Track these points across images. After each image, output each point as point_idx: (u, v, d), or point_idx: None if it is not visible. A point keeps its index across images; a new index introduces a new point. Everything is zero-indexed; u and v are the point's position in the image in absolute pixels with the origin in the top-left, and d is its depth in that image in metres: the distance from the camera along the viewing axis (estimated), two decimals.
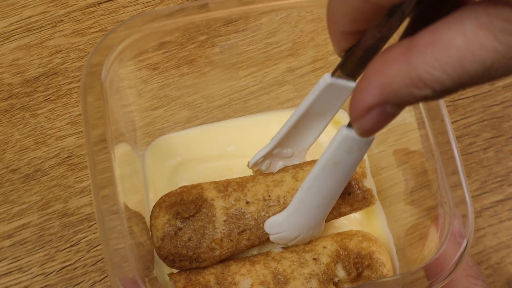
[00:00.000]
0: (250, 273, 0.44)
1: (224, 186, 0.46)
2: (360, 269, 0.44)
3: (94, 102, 0.41)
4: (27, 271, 0.51)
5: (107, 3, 0.62)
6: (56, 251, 0.51)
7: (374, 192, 0.50)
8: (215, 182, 0.47)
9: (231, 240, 0.45)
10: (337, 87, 0.36)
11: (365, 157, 0.52)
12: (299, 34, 0.52)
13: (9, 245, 0.52)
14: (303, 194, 0.40)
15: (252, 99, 0.55)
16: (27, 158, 0.55)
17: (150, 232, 0.46)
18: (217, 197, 0.46)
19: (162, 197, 0.46)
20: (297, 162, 0.47)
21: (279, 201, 0.46)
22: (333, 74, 0.36)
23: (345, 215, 0.47)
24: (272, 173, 0.48)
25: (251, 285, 0.44)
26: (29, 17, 0.61)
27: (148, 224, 0.48)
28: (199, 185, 0.47)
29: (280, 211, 0.46)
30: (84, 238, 0.52)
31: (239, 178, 0.48)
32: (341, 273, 0.45)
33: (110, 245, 0.37)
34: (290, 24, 0.51)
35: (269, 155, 0.46)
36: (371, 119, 0.27)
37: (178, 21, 0.44)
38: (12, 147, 0.55)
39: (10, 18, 0.61)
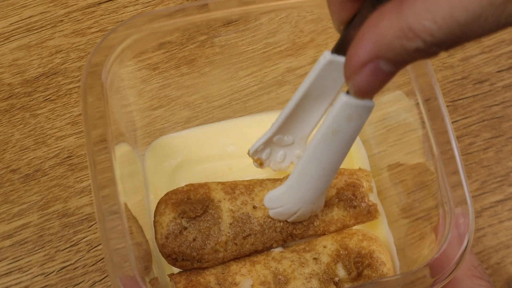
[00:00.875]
0: (251, 273, 0.44)
1: (231, 188, 0.46)
2: (361, 268, 0.44)
3: (94, 102, 0.41)
4: (27, 271, 0.51)
5: (107, 3, 0.62)
6: (56, 251, 0.51)
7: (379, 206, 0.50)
8: (222, 183, 0.47)
9: (235, 244, 0.45)
10: (338, 65, 0.35)
11: (367, 164, 0.52)
12: (299, 34, 0.52)
13: (9, 245, 0.52)
14: (302, 166, 0.38)
15: (252, 99, 0.55)
16: (27, 158, 0.55)
17: (152, 230, 0.46)
18: (224, 199, 0.46)
19: (167, 193, 0.46)
20: (298, 151, 0.46)
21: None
22: (333, 51, 0.34)
23: (348, 227, 0.47)
24: (280, 179, 0.48)
25: (251, 285, 0.44)
26: (29, 17, 0.61)
27: (148, 224, 0.48)
28: (206, 184, 0.47)
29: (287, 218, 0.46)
30: (84, 238, 0.52)
31: (247, 181, 0.48)
32: (341, 272, 0.45)
33: (111, 245, 0.37)
34: (290, 24, 0.51)
35: (269, 143, 0.45)
36: (365, 76, 0.27)
37: (178, 21, 0.44)
38: (12, 147, 0.55)
39: (10, 18, 0.61)
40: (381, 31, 0.26)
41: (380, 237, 0.48)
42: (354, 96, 0.31)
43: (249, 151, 0.45)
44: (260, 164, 0.46)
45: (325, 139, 0.36)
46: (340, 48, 0.34)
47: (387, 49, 0.26)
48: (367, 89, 0.28)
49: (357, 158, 0.52)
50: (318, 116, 0.42)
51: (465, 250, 0.38)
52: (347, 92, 0.32)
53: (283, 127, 0.43)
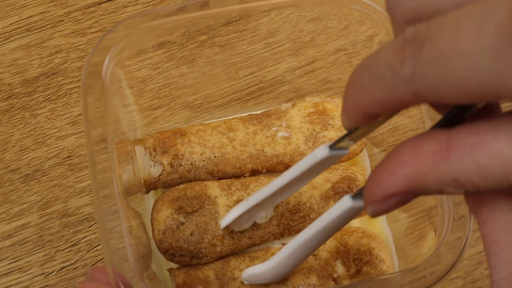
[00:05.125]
0: None
1: (227, 185, 0.47)
2: (360, 265, 0.45)
3: (95, 102, 0.41)
4: (27, 271, 0.51)
5: (107, 3, 0.62)
6: (56, 251, 0.51)
7: None
8: (218, 181, 0.47)
9: (232, 238, 0.45)
10: (332, 157, 0.35)
11: (367, 162, 0.52)
12: (299, 34, 0.52)
13: (9, 245, 0.52)
14: (289, 252, 0.39)
15: (252, 99, 0.55)
16: (27, 158, 0.55)
17: (151, 226, 0.46)
18: (221, 195, 0.46)
19: (165, 192, 0.46)
20: (263, 213, 0.45)
21: (282, 202, 0.46)
22: (332, 147, 0.34)
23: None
24: (276, 175, 0.48)
25: None
26: (29, 17, 0.61)
27: (148, 223, 0.48)
28: (202, 182, 0.47)
29: (283, 212, 0.46)
30: (84, 238, 0.52)
31: (242, 178, 0.48)
32: (340, 269, 0.45)
33: (110, 245, 0.37)
34: (290, 24, 0.51)
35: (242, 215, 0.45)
36: (388, 205, 0.26)
37: (179, 18, 0.44)
38: (12, 147, 0.55)
39: (10, 18, 0.61)
40: (419, 173, 0.24)
41: (379, 235, 0.48)
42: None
43: (219, 224, 0.45)
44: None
45: (320, 233, 0.36)
46: (341, 144, 0.34)
47: (422, 189, 0.24)
48: (386, 212, 0.27)
49: (357, 158, 0.52)
50: (294, 191, 0.42)
51: (462, 250, 0.38)
52: (353, 197, 0.32)
53: (260, 203, 0.43)
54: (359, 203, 0.32)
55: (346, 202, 0.32)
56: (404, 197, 0.25)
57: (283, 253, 0.40)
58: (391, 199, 0.25)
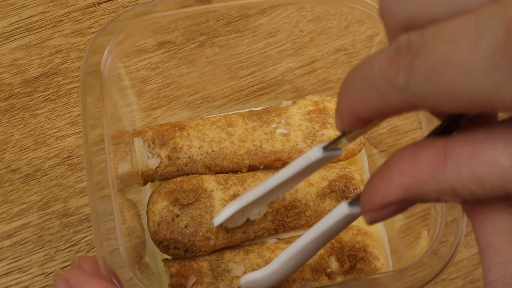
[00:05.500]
0: (244, 261, 0.45)
1: (224, 179, 0.47)
2: (354, 261, 0.45)
3: (94, 102, 0.41)
4: (27, 271, 0.51)
5: (107, 3, 0.62)
6: (56, 251, 0.51)
7: None
8: (215, 175, 0.48)
9: (226, 232, 0.45)
10: (326, 158, 0.35)
11: (365, 163, 0.52)
12: (299, 34, 0.52)
13: (9, 245, 0.52)
14: (287, 259, 0.39)
15: (252, 99, 0.55)
16: (27, 158, 0.55)
17: (146, 218, 0.46)
18: (217, 188, 0.46)
19: (161, 184, 0.47)
20: (256, 210, 0.45)
21: (277, 198, 0.46)
22: (325, 149, 0.34)
23: None
24: (273, 171, 0.48)
25: (244, 272, 0.44)
26: (29, 17, 0.61)
27: (146, 220, 0.48)
28: (199, 176, 0.47)
29: (278, 208, 0.46)
30: (84, 238, 0.52)
31: (239, 173, 0.48)
32: (334, 264, 0.45)
33: (104, 246, 0.36)
34: (290, 24, 0.51)
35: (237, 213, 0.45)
36: (385, 213, 0.26)
37: (179, 13, 0.44)
38: (12, 147, 0.55)
39: (10, 18, 0.61)
40: (416, 181, 0.24)
41: (375, 234, 0.48)
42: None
43: (213, 222, 0.45)
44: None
45: (316, 240, 0.36)
46: (335, 145, 0.33)
47: (419, 197, 0.25)
48: (383, 220, 0.27)
49: (355, 157, 0.52)
50: (289, 188, 0.42)
51: (453, 253, 0.37)
52: (350, 203, 0.32)
53: (253, 201, 0.43)
54: (356, 209, 0.31)
55: (342, 209, 0.32)
56: (401, 206, 0.25)
57: (280, 259, 0.39)
58: (388, 208, 0.26)
